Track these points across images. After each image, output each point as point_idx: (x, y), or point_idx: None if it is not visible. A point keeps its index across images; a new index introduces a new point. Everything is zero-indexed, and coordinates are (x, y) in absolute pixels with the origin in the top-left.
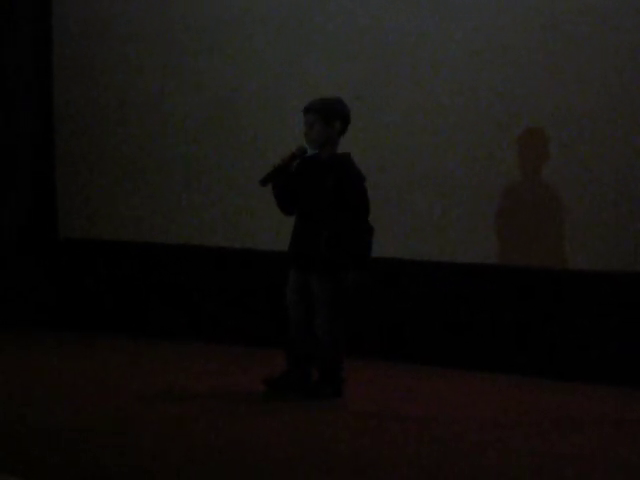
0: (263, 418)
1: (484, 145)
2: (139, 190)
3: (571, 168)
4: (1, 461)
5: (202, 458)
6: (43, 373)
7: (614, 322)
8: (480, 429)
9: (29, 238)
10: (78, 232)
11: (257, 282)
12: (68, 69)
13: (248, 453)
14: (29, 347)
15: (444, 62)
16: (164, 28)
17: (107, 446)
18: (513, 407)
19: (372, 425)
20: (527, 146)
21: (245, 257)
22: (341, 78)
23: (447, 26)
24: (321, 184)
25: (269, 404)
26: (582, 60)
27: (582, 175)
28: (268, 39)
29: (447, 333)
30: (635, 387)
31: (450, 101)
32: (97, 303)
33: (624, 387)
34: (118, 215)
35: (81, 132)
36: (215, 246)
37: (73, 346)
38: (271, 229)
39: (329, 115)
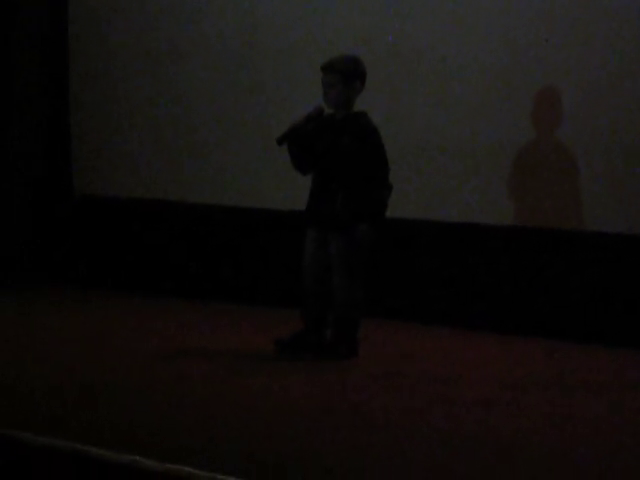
0: (275, 378)
1: (499, 107)
2: (155, 147)
3: (585, 129)
4: (13, 418)
5: (213, 417)
6: (58, 330)
7: (630, 284)
8: (492, 390)
9: (44, 194)
10: (94, 189)
11: (272, 241)
12: (82, 26)
13: (260, 412)
14: (42, 304)
15: (458, 23)
16: None
17: (119, 404)
18: (525, 368)
19: (386, 385)
20: (541, 107)
21: (261, 216)
22: (358, 32)
23: None
24: (338, 143)
25: (282, 364)
26: (595, 18)
27: (596, 136)
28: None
29: (462, 293)
30: None
31: (464, 62)
32: (112, 260)
33: (635, 349)
34: (134, 172)
35: (97, 89)
36: (230, 205)
37: (87, 303)
38: (288, 188)
39: (350, 75)
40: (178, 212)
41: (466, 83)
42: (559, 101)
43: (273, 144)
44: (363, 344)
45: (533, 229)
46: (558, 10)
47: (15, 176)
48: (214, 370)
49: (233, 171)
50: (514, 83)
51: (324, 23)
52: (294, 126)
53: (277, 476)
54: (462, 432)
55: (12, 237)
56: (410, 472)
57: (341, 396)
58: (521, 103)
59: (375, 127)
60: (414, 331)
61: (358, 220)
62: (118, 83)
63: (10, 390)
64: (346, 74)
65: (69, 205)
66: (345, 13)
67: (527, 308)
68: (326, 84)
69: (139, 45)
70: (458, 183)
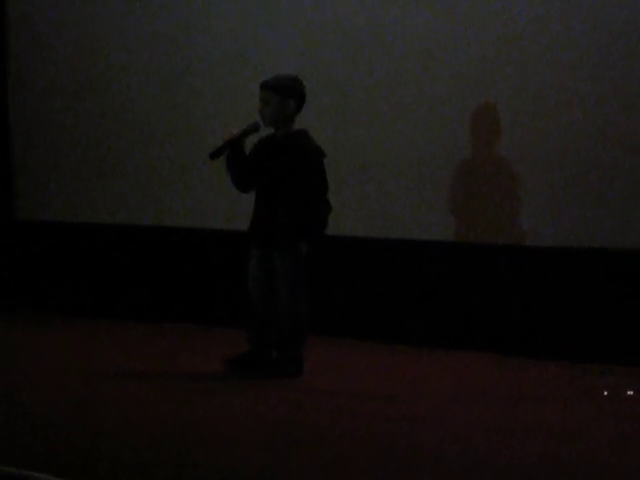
0: (223, 397)
1: (443, 124)
2: (96, 172)
3: (524, 144)
4: None
5: (163, 438)
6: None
7: (573, 298)
8: (439, 405)
9: None
10: (35, 214)
11: (214, 261)
12: (22, 49)
13: (208, 432)
14: None
15: (398, 41)
16: (118, 5)
17: (68, 426)
18: (472, 383)
19: (332, 403)
20: (485, 123)
21: (201, 236)
22: (300, 56)
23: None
24: (278, 163)
25: (229, 383)
26: (537, 37)
27: (541, 151)
28: (225, 14)
29: (408, 310)
30: (590, 362)
31: (403, 80)
32: (53, 284)
33: (579, 362)
34: (75, 197)
35: (38, 114)
36: (170, 226)
37: (30, 327)
38: (226, 208)
39: (284, 93)
40: (122, 235)
41: (406, 100)
42: (502, 117)
43: (210, 164)
44: (308, 361)
45: (472, 244)
46: (498, 25)
47: None
48: (161, 390)
49: (177, 192)
50: (454, 100)
51: (263, 46)
52: (228, 140)
53: None
54: (412, 450)
55: None
56: None
57: (286, 414)
58: (461, 119)
59: (315, 145)
60: (357, 348)
61: (300, 238)
62: (60, 107)
63: None
64: (280, 92)
65: (10, 230)
66: (285, 30)
67: (467, 322)
68: (261, 101)
69: (80, 69)
70: (399, 200)
